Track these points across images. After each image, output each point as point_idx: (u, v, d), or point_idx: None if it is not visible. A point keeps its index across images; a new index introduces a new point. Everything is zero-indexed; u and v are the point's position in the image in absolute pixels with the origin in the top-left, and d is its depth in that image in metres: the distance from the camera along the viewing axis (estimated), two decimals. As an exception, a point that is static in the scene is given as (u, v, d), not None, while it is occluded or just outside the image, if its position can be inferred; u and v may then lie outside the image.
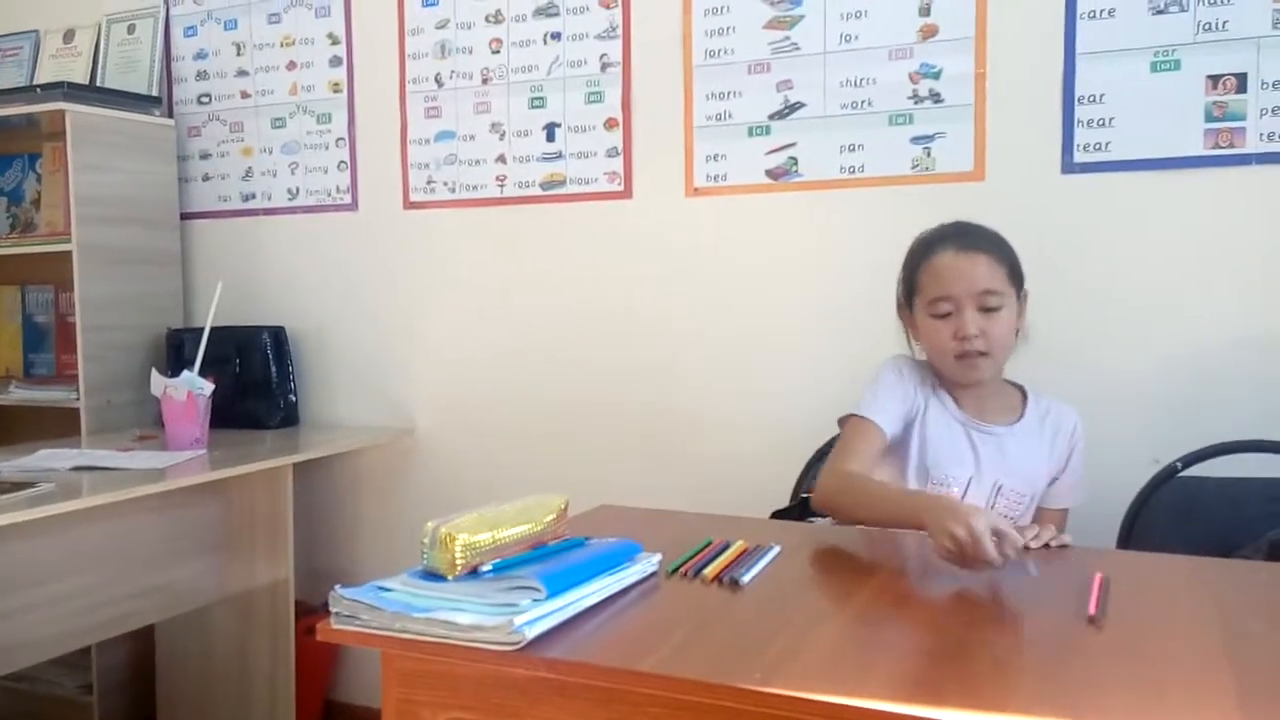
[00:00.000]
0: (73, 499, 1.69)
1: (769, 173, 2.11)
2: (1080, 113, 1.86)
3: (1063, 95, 1.87)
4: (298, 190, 2.58)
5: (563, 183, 2.29)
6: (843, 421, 1.55)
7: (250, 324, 2.52)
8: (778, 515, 1.64)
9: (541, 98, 2.30)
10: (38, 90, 2.41)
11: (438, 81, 2.40)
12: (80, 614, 1.87)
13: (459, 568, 1.03)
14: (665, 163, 2.19)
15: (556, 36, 2.27)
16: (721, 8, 2.12)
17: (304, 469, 2.34)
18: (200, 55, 2.66)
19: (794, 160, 2.08)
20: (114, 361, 2.44)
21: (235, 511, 2.19)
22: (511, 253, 2.35)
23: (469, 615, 0.96)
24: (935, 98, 1.96)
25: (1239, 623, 1.04)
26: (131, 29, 2.71)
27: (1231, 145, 1.77)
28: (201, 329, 2.19)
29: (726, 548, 1.27)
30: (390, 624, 0.99)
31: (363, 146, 2.50)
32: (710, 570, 1.18)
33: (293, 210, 2.59)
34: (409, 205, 2.46)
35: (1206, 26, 1.78)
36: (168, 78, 2.70)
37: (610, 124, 2.24)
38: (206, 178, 2.67)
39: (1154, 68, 1.82)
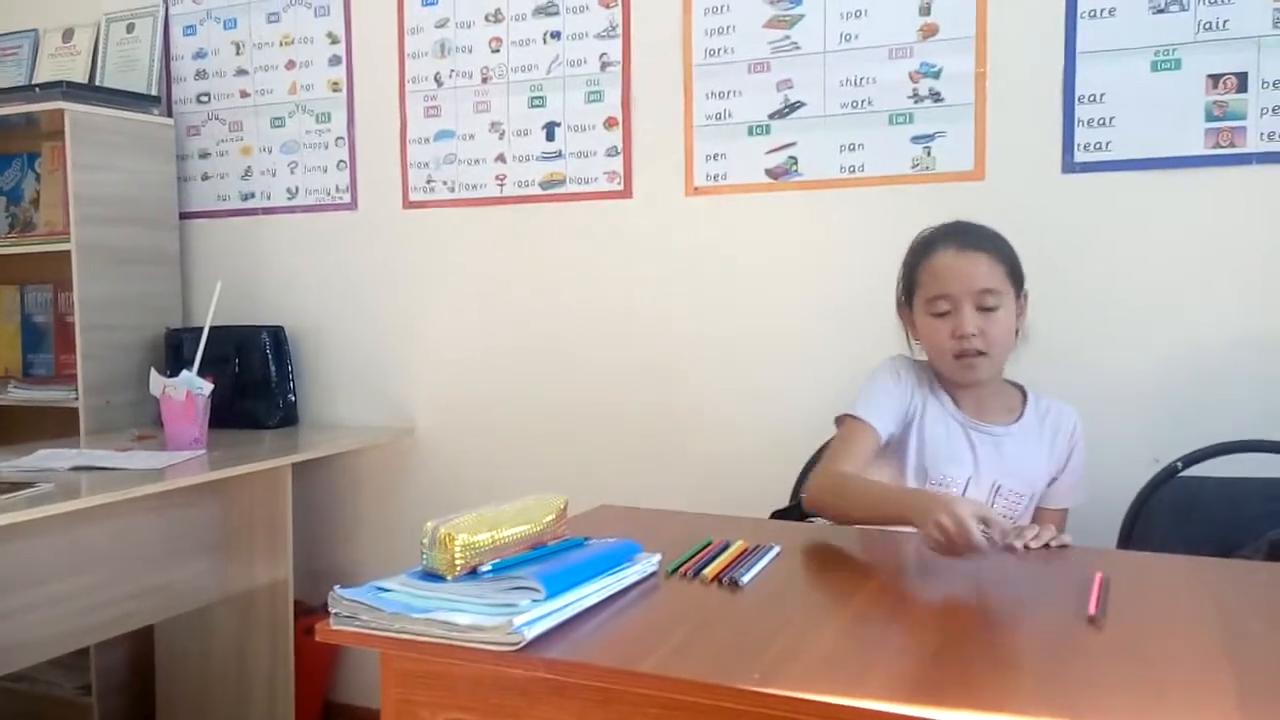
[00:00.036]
0: (72, 499, 1.69)
1: (769, 172, 2.10)
2: (1080, 112, 1.86)
3: (1063, 95, 1.87)
4: (297, 189, 2.57)
5: (562, 182, 2.29)
6: (839, 421, 1.55)
7: (249, 323, 2.51)
8: (777, 515, 1.64)
9: (541, 97, 2.30)
10: (37, 89, 2.41)
11: (437, 81, 2.40)
12: (79, 614, 1.87)
13: (458, 568, 1.03)
14: (665, 162, 2.19)
15: (556, 35, 2.27)
16: (721, 7, 2.12)
17: (303, 469, 2.33)
18: (199, 54, 2.66)
19: (794, 160, 2.08)
20: (113, 361, 2.44)
21: (234, 512, 2.19)
22: (511, 252, 2.35)
23: (468, 616, 0.96)
24: (935, 97, 1.96)
25: (1239, 623, 1.04)
26: (130, 28, 2.71)
27: (1232, 145, 1.77)
28: (200, 328, 2.18)
29: (726, 548, 1.27)
30: (389, 624, 0.99)
31: (362, 146, 2.50)
32: (710, 570, 1.18)
33: (292, 210, 2.58)
34: (408, 205, 2.46)
35: (1207, 26, 1.78)
36: (167, 77, 2.69)
37: (610, 123, 2.24)
38: (205, 177, 2.67)
39: (1154, 67, 1.81)
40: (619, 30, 2.21)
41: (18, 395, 2.50)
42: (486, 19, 2.34)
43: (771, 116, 2.09)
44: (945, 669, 0.93)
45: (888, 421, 1.51)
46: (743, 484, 1.99)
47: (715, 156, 2.15)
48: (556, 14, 2.27)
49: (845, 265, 2.04)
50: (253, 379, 2.46)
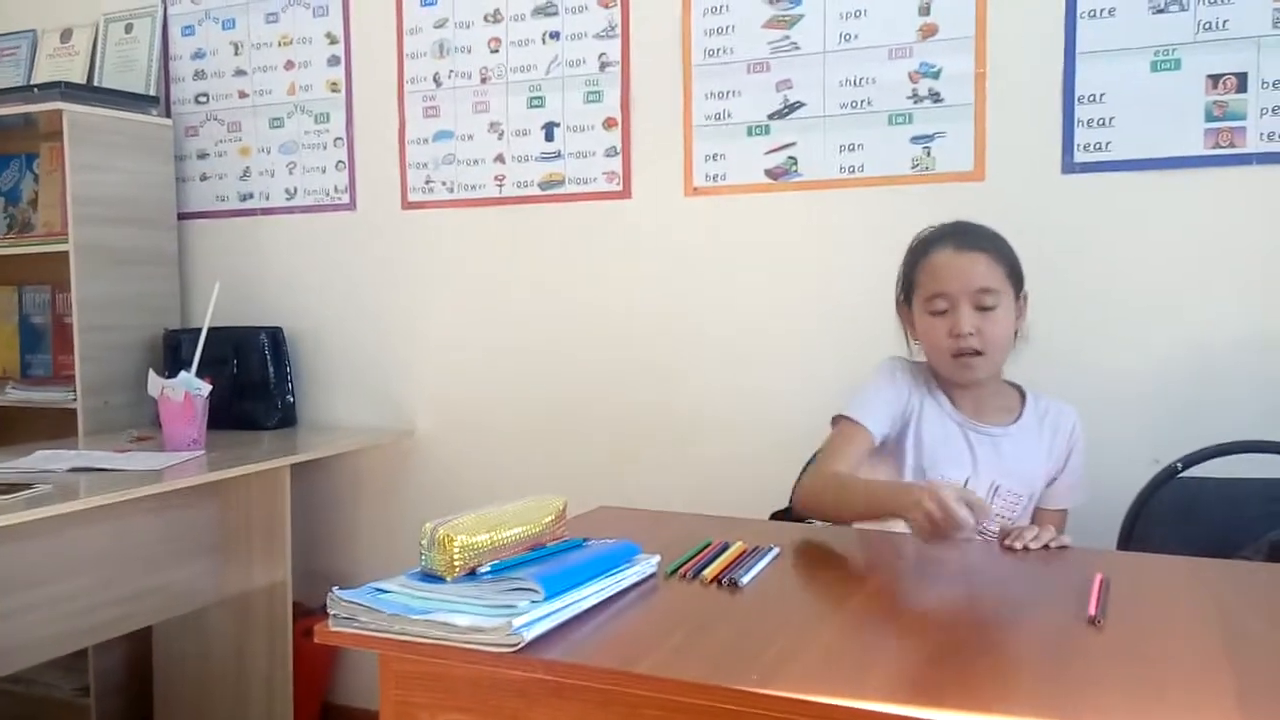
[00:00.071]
0: (70, 500, 1.69)
1: (768, 172, 2.10)
2: (1080, 112, 1.86)
3: (1063, 95, 1.87)
4: (295, 190, 2.57)
5: (561, 182, 2.29)
6: (835, 421, 1.55)
7: (248, 324, 2.51)
8: (777, 516, 1.64)
9: (540, 97, 2.30)
10: (35, 90, 2.40)
11: (436, 81, 2.40)
12: (77, 616, 1.87)
13: (457, 569, 1.02)
14: (664, 162, 2.18)
15: (555, 36, 2.27)
16: (721, 7, 2.11)
17: (302, 470, 2.33)
18: (198, 55, 2.65)
19: (793, 160, 2.08)
20: (111, 362, 2.43)
21: (233, 513, 2.18)
22: (510, 253, 2.35)
23: (467, 617, 0.96)
24: (935, 97, 1.96)
25: (1239, 623, 1.04)
26: (129, 28, 2.70)
27: (1232, 145, 1.77)
28: (199, 329, 2.18)
29: (725, 549, 1.26)
30: (388, 626, 0.99)
31: (361, 146, 2.49)
32: (709, 571, 1.18)
33: (290, 210, 2.58)
34: (407, 205, 2.45)
35: (1207, 26, 1.77)
36: (165, 77, 2.69)
37: (609, 123, 2.23)
38: (204, 177, 2.67)
39: (1154, 67, 1.81)
40: (618, 30, 2.21)
41: (15, 396, 2.50)
42: (485, 19, 2.34)
43: (771, 117, 2.09)
44: (945, 670, 0.93)
45: (881, 423, 1.51)
46: (742, 485, 1.99)
47: (714, 157, 2.14)
48: (555, 14, 2.27)
49: (845, 266, 2.04)
50: (251, 380, 2.46)
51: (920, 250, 1.54)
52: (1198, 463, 1.62)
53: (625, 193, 2.23)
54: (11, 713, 2.42)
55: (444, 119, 2.40)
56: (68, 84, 2.41)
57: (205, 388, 2.12)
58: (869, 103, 2.01)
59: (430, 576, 1.03)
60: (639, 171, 2.22)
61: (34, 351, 2.73)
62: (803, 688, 0.86)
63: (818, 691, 0.85)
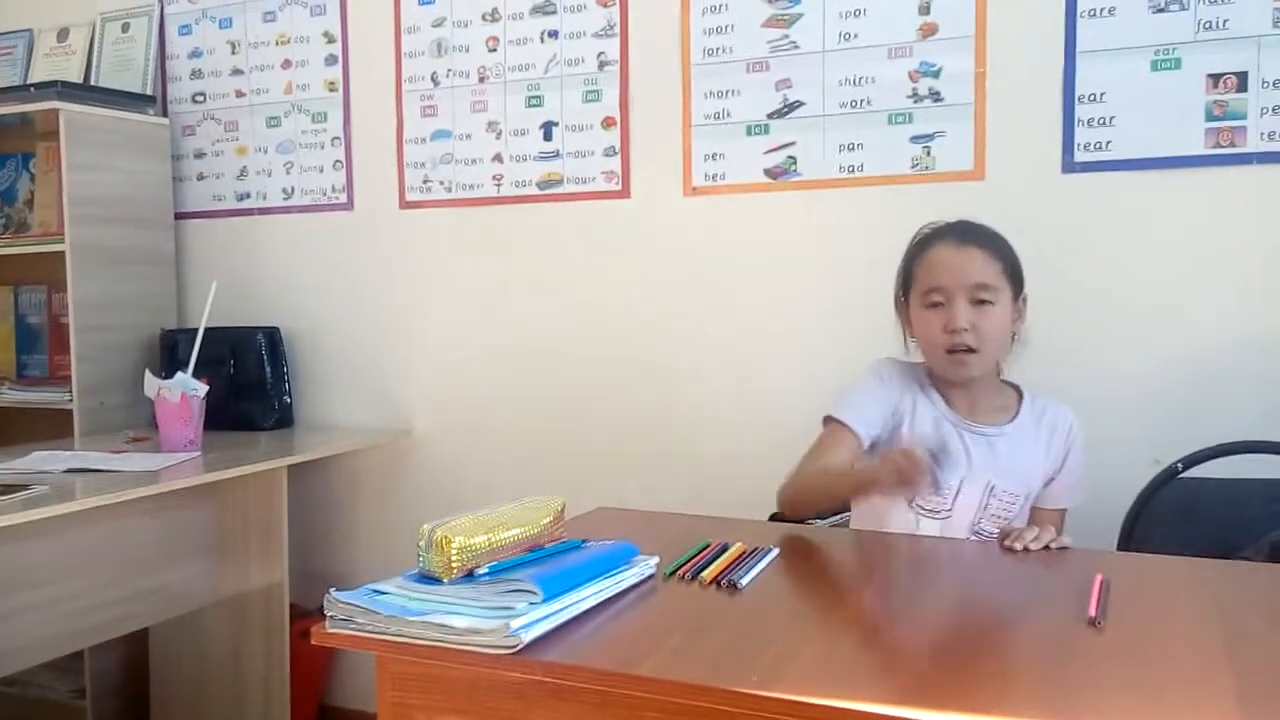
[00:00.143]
0: (66, 501, 1.68)
1: (768, 172, 2.10)
2: (1080, 112, 1.86)
3: (1063, 94, 1.86)
4: (293, 190, 2.56)
5: (560, 182, 2.28)
6: (825, 422, 1.55)
7: (245, 324, 2.50)
8: (776, 517, 1.63)
9: (539, 96, 2.29)
10: (31, 89, 2.40)
11: (434, 80, 2.39)
12: (73, 617, 1.86)
13: (455, 571, 1.02)
14: (663, 162, 2.18)
15: (554, 35, 2.26)
16: (720, 6, 2.11)
17: (299, 471, 2.32)
18: (195, 54, 2.65)
19: (793, 159, 2.07)
20: (107, 363, 2.42)
21: (229, 514, 2.18)
22: (508, 252, 2.34)
23: (465, 618, 0.96)
24: (935, 97, 1.96)
25: (1239, 624, 1.04)
26: (126, 27, 2.70)
27: (1232, 144, 1.77)
28: (196, 330, 2.17)
29: (725, 550, 1.26)
30: (385, 627, 0.98)
31: (358, 145, 2.49)
32: (708, 573, 1.17)
33: (288, 210, 2.57)
34: (405, 205, 2.45)
35: (1207, 25, 1.77)
36: (162, 76, 2.68)
37: (608, 123, 2.23)
38: (201, 177, 2.66)
39: (1154, 66, 1.81)
40: (617, 29, 2.21)
41: (12, 397, 2.49)
42: (483, 18, 2.33)
43: (770, 116, 2.09)
44: (945, 671, 0.92)
45: (870, 424, 1.51)
46: (741, 485, 1.97)
47: (714, 156, 2.14)
48: (554, 13, 2.26)
49: (844, 265, 2.04)
50: (248, 380, 2.45)
51: (920, 246, 1.54)
52: (1198, 463, 1.61)
53: (624, 192, 2.23)
54: (7, 715, 2.41)
55: (442, 118, 2.39)
56: (64, 83, 2.41)
57: (202, 388, 2.12)
58: (868, 102, 2.01)
59: (428, 578, 1.03)
60: (638, 171, 2.21)
61: (30, 352, 2.72)
62: (802, 689, 0.85)
63: (817, 693, 0.85)
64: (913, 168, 1.98)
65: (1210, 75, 1.78)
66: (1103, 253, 1.85)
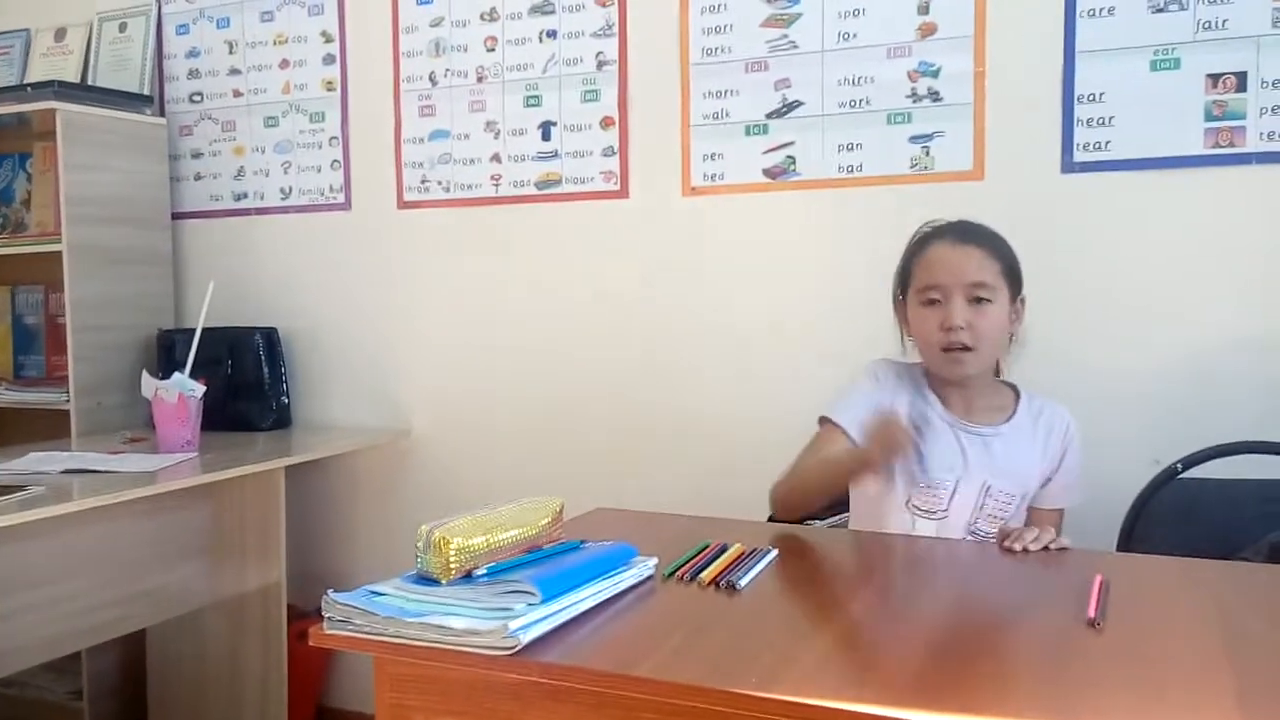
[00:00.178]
0: (63, 502, 1.68)
1: (766, 172, 2.09)
2: (1080, 112, 1.85)
3: (1062, 94, 1.86)
4: (290, 190, 2.56)
5: (558, 182, 2.28)
6: (821, 424, 1.55)
7: (242, 325, 2.50)
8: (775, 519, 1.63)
9: (537, 96, 2.29)
10: (28, 89, 2.39)
11: (432, 80, 2.39)
12: (70, 618, 1.86)
13: (453, 572, 1.01)
14: (662, 162, 2.18)
15: (552, 34, 2.26)
16: (719, 5, 2.11)
17: (297, 471, 2.32)
18: (192, 53, 2.64)
19: (792, 159, 2.07)
20: (104, 363, 2.42)
21: (227, 515, 2.17)
22: (506, 253, 2.34)
23: (463, 620, 0.95)
24: (934, 96, 1.95)
25: (1239, 624, 1.04)
26: (123, 27, 2.69)
27: (1231, 144, 1.77)
28: (193, 330, 2.17)
29: (723, 551, 1.26)
30: (383, 629, 0.98)
31: (356, 145, 2.48)
32: (707, 574, 1.17)
33: (285, 210, 2.57)
34: (403, 205, 2.44)
35: (1206, 25, 1.77)
36: (159, 76, 2.68)
37: (606, 123, 2.22)
38: (198, 177, 2.66)
39: (1154, 66, 1.81)
40: (615, 29, 2.20)
41: (8, 397, 2.49)
42: (481, 18, 2.33)
43: (769, 116, 2.08)
44: (944, 672, 0.92)
45: (861, 424, 1.50)
46: (740, 485, 1.97)
47: (712, 156, 2.13)
48: (552, 13, 2.26)
49: (843, 265, 2.03)
50: (246, 381, 2.45)
51: (919, 244, 1.54)
52: (1198, 463, 1.61)
53: (623, 192, 2.22)
54: (5, 716, 2.41)
55: (440, 118, 2.39)
56: (61, 83, 2.40)
57: (199, 389, 2.11)
58: (868, 102, 2.00)
59: (426, 579, 1.02)
60: (636, 171, 2.21)
61: (27, 352, 2.71)
62: (801, 690, 0.85)
63: (816, 694, 0.84)
64: (912, 168, 1.98)
65: (1209, 75, 1.77)
66: (1102, 253, 1.85)
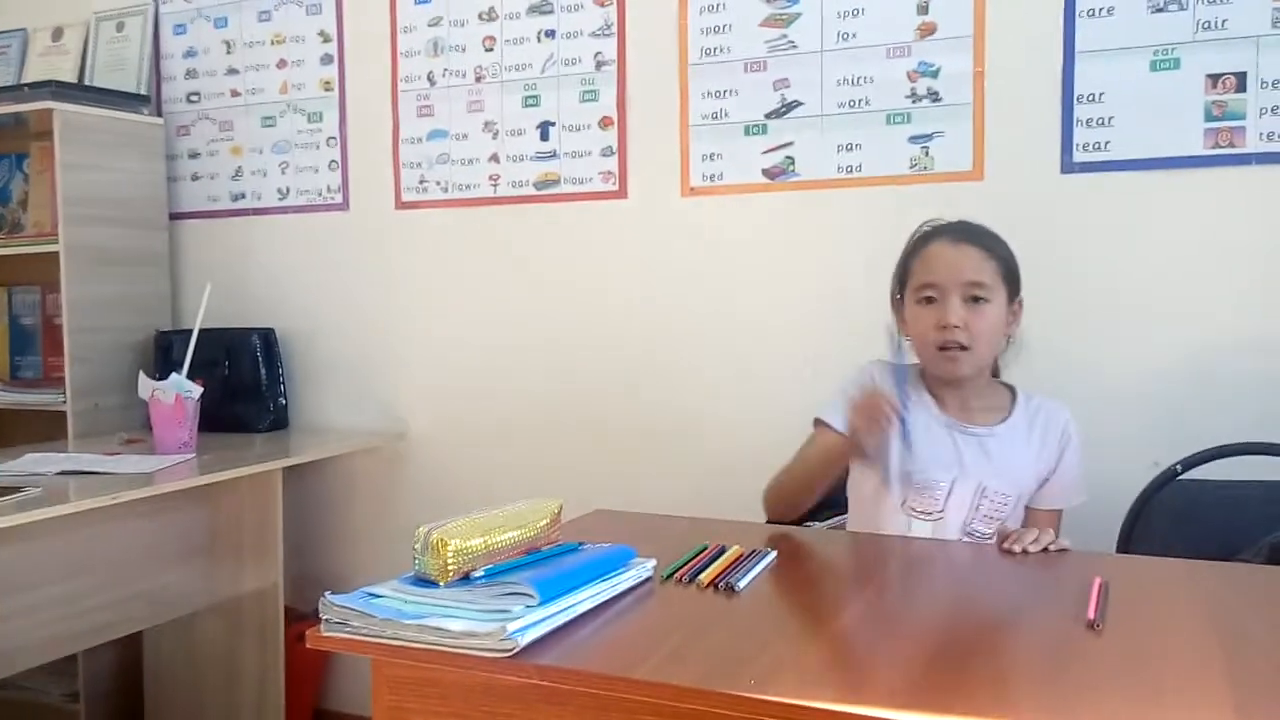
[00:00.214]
0: (60, 504, 1.67)
1: (766, 172, 2.09)
2: (1079, 112, 1.85)
3: (1062, 94, 1.86)
4: (288, 190, 2.55)
5: (557, 182, 2.28)
6: (816, 423, 1.54)
7: (240, 326, 2.49)
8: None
9: (535, 96, 2.28)
10: (25, 89, 2.39)
11: (430, 80, 2.39)
12: (67, 620, 1.85)
13: (451, 573, 1.01)
14: (661, 162, 2.17)
15: (550, 34, 2.26)
16: (717, 5, 2.10)
17: (294, 473, 2.31)
18: (190, 53, 2.64)
19: (791, 160, 2.07)
20: (101, 364, 2.41)
21: (224, 516, 2.17)
22: (505, 253, 2.33)
23: (461, 622, 0.95)
24: (933, 96, 1.95)
25: (1238, 626, 1.04)
26: (120, 27, 2.69)
27: (1231, 145, 1.76)
28: (190, 331, 2.16)
29: (722, 553, 1.25)
30: (381, 631, 0.97)
31: (354, 145, 2.48)
32: (705, 576, 1.16)
33: (283, 210, 2.56)
34: (401, 205, 2.44)
35: (1206, 25, 1.77)
36: (157, 76, 2.67)
37: (605, 123, 2.22)
38: (196, 177, 2.65)
39: (1153, 66, 1.80)
40: (614, 29, 2.20)
41: (5, 398, 2.48)
42: (480, 17, 2.32)
43: (768, 116, 2.08)
44: (943, 674, 0.92)
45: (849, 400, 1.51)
46: (740, 486, 1.96)
47: (711, 156, 2.13)
48: (551, 12, 2.25)
49: (843, 265, 2.03)
50: (243, 382, 2.44)
51: (917, 242, 1.54)
52: (1197, 465, 1.61)
53: (621, 192, 2.22)
54: (1, 717, 2.40)
55: (438, 118, 2.38)
56: (58, 83, 2.40)
57: (196, 390, 2.11)
58: (867, 102, 2.00)
59: (423, 581, 1.02)
60: (635, 171, 2.20)
61: (23, 353, 2.71)
62: (799, 693, 0.85)
63: (814, 697, 0.84)
64: (911, 168, 1.97)
65: (1209, 75, 1.77)
66: (1102, 253, 1.85)
